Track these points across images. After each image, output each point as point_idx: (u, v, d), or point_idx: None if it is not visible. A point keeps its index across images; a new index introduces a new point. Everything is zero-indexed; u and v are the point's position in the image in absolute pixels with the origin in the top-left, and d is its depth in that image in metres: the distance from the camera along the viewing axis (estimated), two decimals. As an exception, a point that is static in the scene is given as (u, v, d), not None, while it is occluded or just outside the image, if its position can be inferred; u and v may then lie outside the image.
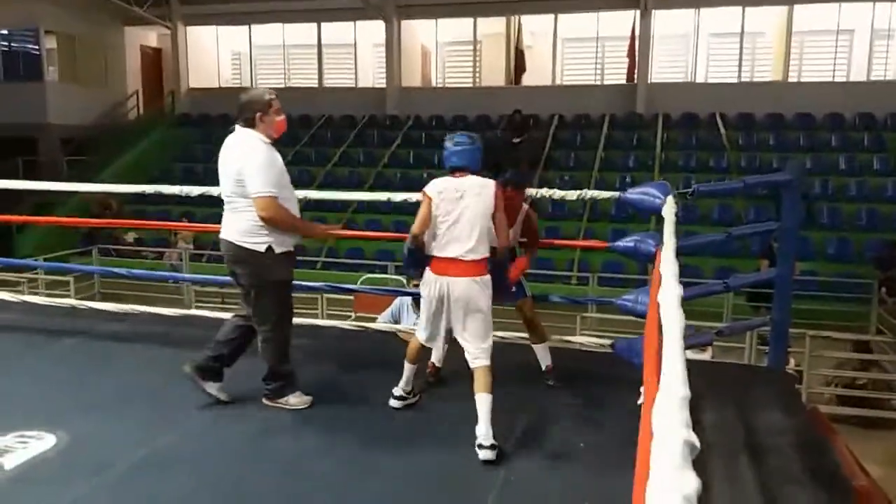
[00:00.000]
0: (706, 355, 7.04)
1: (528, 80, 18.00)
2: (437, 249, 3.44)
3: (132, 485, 2.94)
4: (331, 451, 3.26)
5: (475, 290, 3.40)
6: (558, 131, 16.44)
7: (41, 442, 3.26)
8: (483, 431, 3.15)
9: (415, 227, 3.48)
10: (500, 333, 4.19)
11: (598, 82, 18.07)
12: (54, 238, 13.11)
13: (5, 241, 13.38)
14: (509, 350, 4.26)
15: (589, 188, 13.56)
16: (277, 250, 3.52)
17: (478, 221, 3.42)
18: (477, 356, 3.37)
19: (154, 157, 17.88)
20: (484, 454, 3.10)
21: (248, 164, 3.42)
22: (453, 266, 3.41)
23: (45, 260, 10.07)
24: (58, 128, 17.79)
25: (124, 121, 19.70)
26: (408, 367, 3.69)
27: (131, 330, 5.01)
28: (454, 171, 3.49)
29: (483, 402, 3.22)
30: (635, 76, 16.75)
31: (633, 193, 4.27)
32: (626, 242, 4.47)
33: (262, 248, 3.49)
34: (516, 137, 14.78)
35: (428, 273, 3.49)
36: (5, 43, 18.23)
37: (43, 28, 17.68)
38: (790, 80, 16.56)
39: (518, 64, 17.93)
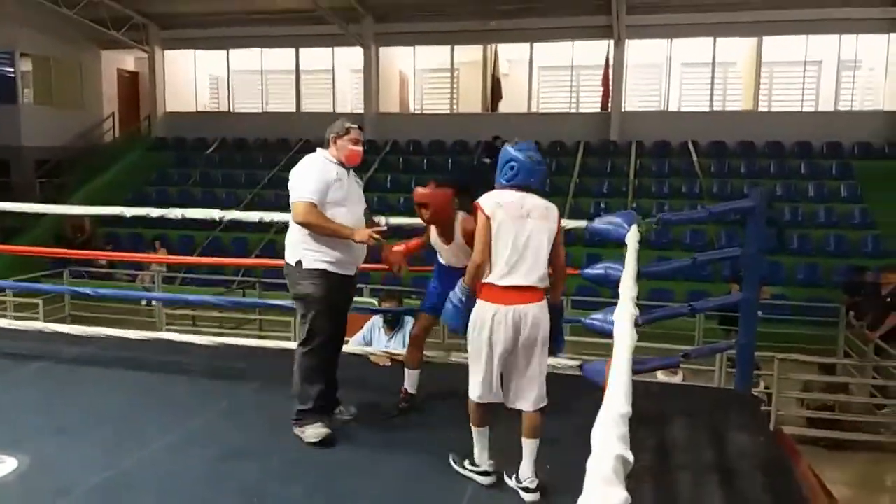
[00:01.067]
0: (678, 378, 7.11)
1: (504, 107, 18.21)
2: (499, 276, 2.98)
3: (94, 508, 2.91)
4: (296, 478, 3.25)
5: (545, 317, 3.03)
6: (534, 157, 16.59)
7: (2, 465, 3.21)
8: (528, 474, 3.01)
9: (477, 255, 3.01)
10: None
11: (574, 110, 18.32)
12: (23, 260, 12.93)
13: (-26, 263, 13.16)
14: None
15: (563, 214, 13.82)
16: (307, 265, 3.51)
17: (544, 247, 3.05)
18: (537, 401, 3.04)
19: (129, 179, 17.77)
20: (530, 497, 2.99)
21: (292, 175, 3.55)
22: (523, 294, 2.98)
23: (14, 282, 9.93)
24: (32, 150, 17.66)
25: (100, 143, 19.59)
26: (478, 434, 3.14)
27: (99, 353, 4.96)
28: (515, 186, 3.09)
29: (533, 446, 3.02)
30: (609, 104, 17.01)
31: (599, 223, 4.38)
32: (597, 269, 4.53)
33: (293, 262, 3.55)
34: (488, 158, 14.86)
35: (486, 307, 2.99)
36: (-20, 65, 18.10)
37: (18, 51, 17.62)
38: (760, 109, 16.93)
39: (495, 91, 18.14)
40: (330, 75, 19.25)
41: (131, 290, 11.26)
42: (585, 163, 16.17)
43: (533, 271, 2.98)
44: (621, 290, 2.43)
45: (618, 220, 4.28)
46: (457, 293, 3.07)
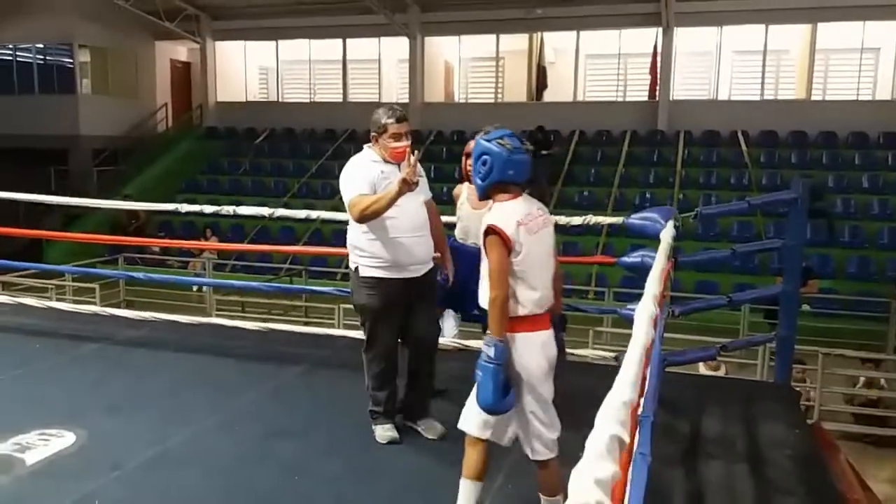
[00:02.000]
0: (720, 372, 7.08)
1: (549, 96, 18.13)
2: (536, 303, 2.57)
3: (145, 480, 3.09)
4: (337, 455, 3.38)
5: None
6: (579, 147, 16.52)
7: (61, 439, 3.43)
8: None
9: (498, 289, 2.51)
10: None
11: (620, 99, 18.14)
12: (82, 247, 13.45)
13: (36, 249, 13.75)
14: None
15: (609, 204, 13.80)
16: (363, 273, 3.41)
17: (552, 260, 2.72)
18: (552, 446, 2.61)
19: (181, 168, 18.27)
20: None
21: (341, 180, 3.46)
22: (545, 320, 2.64)
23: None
24: (89, 139, 18.26)
25: (153, 132, 20.15)
26: (470, 489, 2.61)
27: (151, 336, 5.19)
28: (508, 186, 2.62)
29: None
30: (657, 93, 16.79)
31: (636, 219, 4.41)
32: (633, 258, 4.59)
33: (353, 268, 3.47)
34: (543, 151, 14.80)
35: (532, 338, 2.57)
36: (41, 56, 18.78)
37: (77, 42, 18.20)
38: (814, 97, 16.48)
39: (540, 80, 18.06)
40: (376, 65, 19.42)
41: (183, 276, 11.63)
42: (631, 152, 16.01)
43: (550, 290, 2.65)
44: (647, 285, 2.48)
45: (654, 216, 4.32)
46: (484, 355, 2.47)
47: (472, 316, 3.88)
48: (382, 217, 3.30)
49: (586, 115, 17.14)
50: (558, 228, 13.51)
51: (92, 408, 3.85)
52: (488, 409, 2.48)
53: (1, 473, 3.10)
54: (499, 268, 2.50)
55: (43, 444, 3.37)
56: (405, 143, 3.40)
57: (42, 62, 18.82)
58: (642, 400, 2.80)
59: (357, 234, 3.41)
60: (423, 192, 3.49)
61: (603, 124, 16.85)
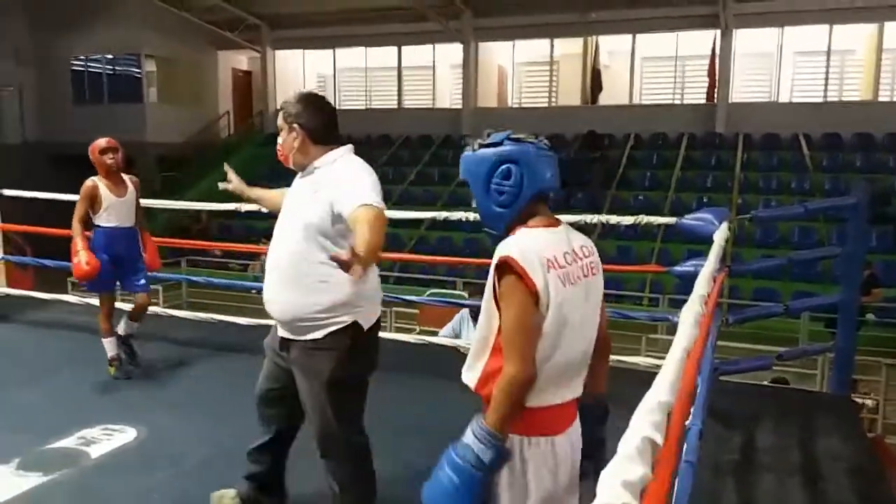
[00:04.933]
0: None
1: (604, 99, 17.96)
2: (555, 389, 1.76)
3: (203, 476, 3.20)
4: (382, 451, 3.44)
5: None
6: (634, 151, 16.31)
7: (123, 434, 3.60)
8: None
9: (519, 365, 1.65)
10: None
11: (677, 102, 17.84)
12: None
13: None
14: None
15: (665, 208, 13.56)
16: (356, 328, 2.65)
17: (597, 321, 1.87)
18: None
19: (242, 174, 17.92)
20: None
21: (353, 178, 2.60)
22: (570, 411, 1.83)
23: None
24: (155, 146, 18.89)
25: (216, 139, 20.74)
26: None
27: (210, 337, 5.37)
28: (540, 205, 1.82)
29: None
30: (715, 95, 16.46)
31: (689, 219, 4.35)
32: (687, 266, 4.54)
33: (344, 323, 2.58)
34: (594, 153, 14.69)
35: (539, 447, 1.75)
36: (110, 67, 19.55)
37: (144, 53, 18.89)
38: (881, 98, 15.91)
39: (594, 83, 17.91)
40: (430, 71, 19.57)
41: (242, 279, 11.93)
42: (689, 156, 15.72)
43: (583, 367, 1.84)
44: (695, 286, 2.45)
45: (708, 217, 4.26)
46: (470, 453, 1.65)
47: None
48: None
49: (642, 118, 16.93)
50: (610, 231, 13.37)
51: (152, 405, 4.02)
52: None
53: (68, 466, 3.27)
54: (519, 326, 1.66)
55: (106, 439, 3.54)
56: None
57: (111, 72, 19.58)
58: (692, 409, 2.77)
59: (331, 273, 2.30)
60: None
61: (659, 127, 16.61)
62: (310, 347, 2.49)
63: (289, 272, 2.49)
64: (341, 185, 2.39)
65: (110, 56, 19.47)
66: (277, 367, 2.70)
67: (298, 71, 20.97)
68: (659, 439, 1.14)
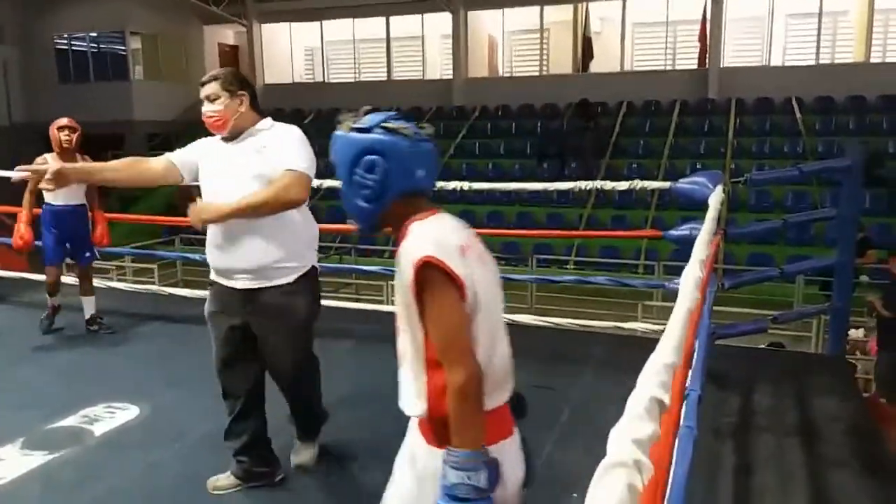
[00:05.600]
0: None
1: (595, 66, 17.83)
2: (491, 386, 1.57)
3: (205, 452, 3.23)
4: (385, 425, 3.47)
5: None
6: (627, 118, 16.25)
7: (126, 412, 3.61)
8: None
9: (469, 365, 1.49)
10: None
11: (669, 67, 17.74)
12: (141, 228, 13.85)
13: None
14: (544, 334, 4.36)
15: (658, 176, 13.55)
16: (311, 272, 2.98)
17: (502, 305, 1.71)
18: None
19: None
20: None
21: (290, 146, 2.82)
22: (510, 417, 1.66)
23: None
24: (143, 124, 18.72)
25: (204, 116, 20.52)
26: None
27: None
28: (417, 199, 1.65)
29: None
30: (707, 60, 16.37)
31: (683, 183, 4.34)
32: (681, 230, 4.56)
33: (305, 270, 2.92)
34: (586, 122, 14.55)
35: (503, 451, 1.59)
36: (94, 45, 19.26)
37: (129, 30, 18.61)
38: (873, 60, 15.85)
39: (585, 51, 17.77)
40: (419, 42, 19.38)
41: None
42: (681, 122, 15.67)
43: (509, 364, 1.67)
44: (693, 251, 2.45)
45: (702, 181, 4.26)
46: (462, 487, 1.46)
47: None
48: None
49: (634, 85, 16.83)
50: (605, 197, 13.50)
51: (154, 382, 4.03)
52: None
53: (73, 444, 3.29)
54: (458, 324, 1.52)
55: (109, 417, 3.56)
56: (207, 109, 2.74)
57: (96, 50, 19.30)
58: (690, 372, 2.80)
59: (295, 222, 2.76)
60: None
61: (651, 94, 16.52)
62: (285, 291, 2.73)
63: (251, 221, 2.63)
64: (285, 145, 2.68)
65: (94, 34, 19.17)
66: (230, 328, 2.84)
67: (285, 44, 20.72)
68: (666, 399, 1.16)
